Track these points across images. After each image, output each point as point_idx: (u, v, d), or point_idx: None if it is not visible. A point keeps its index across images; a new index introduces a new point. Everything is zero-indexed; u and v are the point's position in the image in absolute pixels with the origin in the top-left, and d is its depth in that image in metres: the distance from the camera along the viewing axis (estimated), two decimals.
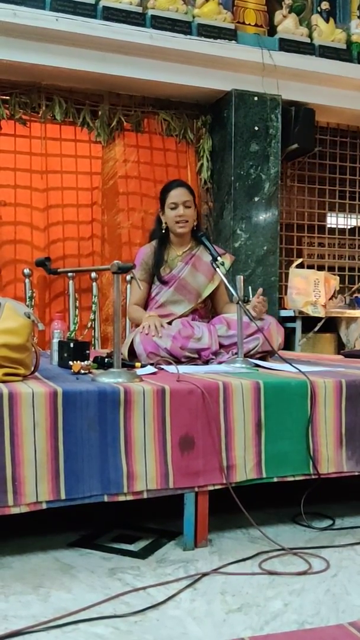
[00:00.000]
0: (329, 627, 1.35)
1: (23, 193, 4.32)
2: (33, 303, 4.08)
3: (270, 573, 1.64)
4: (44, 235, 4.35)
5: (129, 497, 1.75)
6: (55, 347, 2.47)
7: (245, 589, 1.55)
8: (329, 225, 5.45)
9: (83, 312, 4.31)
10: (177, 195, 2.83)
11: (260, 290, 2.71)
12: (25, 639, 1.29)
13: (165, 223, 2.87)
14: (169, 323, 2.71)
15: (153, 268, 2.87)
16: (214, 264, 2.65)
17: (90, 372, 2.08)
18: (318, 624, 1.37)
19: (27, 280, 4.06)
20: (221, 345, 2.62)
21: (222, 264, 2.64)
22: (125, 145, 4.59)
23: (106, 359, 2.29)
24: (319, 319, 4.64)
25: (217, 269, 2.62)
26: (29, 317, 1.88)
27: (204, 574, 1.63)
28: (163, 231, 2.89)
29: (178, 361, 2.46)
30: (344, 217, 5.51)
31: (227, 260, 2.86)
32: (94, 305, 4.28)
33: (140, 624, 1.36)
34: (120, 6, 4.13)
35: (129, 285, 4.16)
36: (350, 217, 5.53)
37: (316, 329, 4.70)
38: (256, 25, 4.64)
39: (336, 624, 1.37)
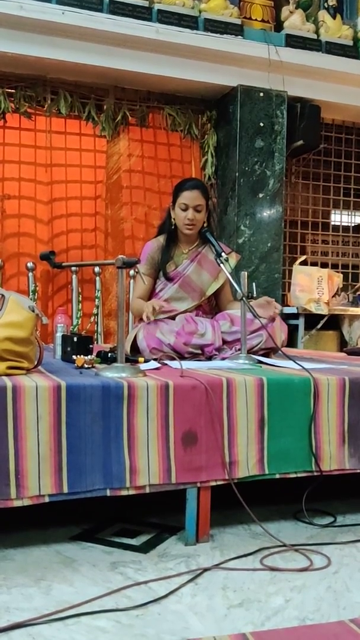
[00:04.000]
0: (329, 623, 1.35)
1: (27, 186, 4.33)
2: (36, 297, 4.08)
3: (272, 569, 1.65)
4: (47, 228, 4.35)
5: (132, 492, 1.75)
6: (58, 341, 2.47)
7: (246, 584, 1.55)
8: (333, 223, 5.44)
9: (85, 302, 4.32)
10: (190, 197, 2.76)
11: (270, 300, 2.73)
12: (27, 631, 1.29)
13: (174, 219, 2.85)
14: (173, 318, 2.71)
15: (159, 264, 2.86)
16: (218, 260, 2.64)
17: (93, 367, 2.08)
18: (319, 620, 1.37)
19: (30, 274, 4.07)
20: (224, 342, 2.62)
21: (227, 260, 2.63)
22: (130, 140, 4.59)
23: (109, 354, 2.29)
24: (322, 316, 4.63)
25: (222, 265, 2.62)
26: (33, 311, 1.89)
27: (206, 569, 1.63)
28: (172, 227, 2.87)
29: (181, 357, 2.47)
30: (348, 215, 5.50)
31: (232, 259, 2.85)
32: (97, 300, 4.28)
33: (142, 618, 1.36)
34: (127, 0, 4.12)
35: (132, 281, 4.17)
36: (355, 215, 5.52)
37: (319, 326, 4.69)
38: (263, 20, 4.63)
39: (337, 620, 1.37)
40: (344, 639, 1.27)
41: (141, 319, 2.82)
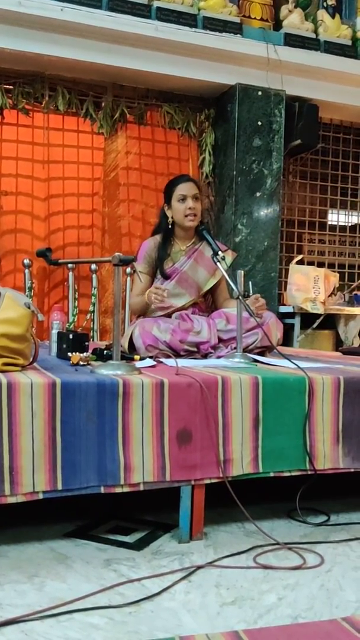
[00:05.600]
0: (322, 622, 1.36)
1: (24, 182, 4.32)
2: (32, 293, 4.08)
3: (265, 567, 1.65)
4: (44, 225, 4.35)
5: (126, 489, 1.75)
6: (54, 338, 2.47)
7: (239, 582, 1.55)
8: (330, 222, 5.45)
9: (81, 299, 4.32)
10: (186, 188, 2.80)
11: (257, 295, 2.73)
12: (20, 627, 1.29)
13: (172, 217, 2.85)
14: (169, 316, 2.71)
15: (156, 261, 2.86)
16: (214, 258, 2.64)
17: (89, 364, 2.08)
18: (311, 618, 1.38)
19: (26, 271, 4.06)
20: (220, 340, 2.63)
21: (223, 258, 2.63)
22: (128, 137, 4.59)
23: (105, 351, 2.29)
24: (318, 315, 4.64)
25: (218, 264, 2.62)
26: (29, 308, 1.88)
27: (199, 567, 1.63)
28: (169, 226, 2.87)
29: (177, 354, 2.47)
30: (345, 215, 5.51)
31: (228, 256, 2.86)
32: (93, 297, 4.28)
33: (135, 615, 1.36)
34: None
35: (129, 278, 4.17)
36: (351, 215, 5.53)
37: (315, 325, 4.70)
38: (262, 19, 4.63)
39: (329, 619, 1.37)
40: (336, 637, 1.28)
41: (138, 316, 2.83)
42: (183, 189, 2.80)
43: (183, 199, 2.79)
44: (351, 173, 5.39)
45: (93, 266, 4.31)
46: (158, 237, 2.91)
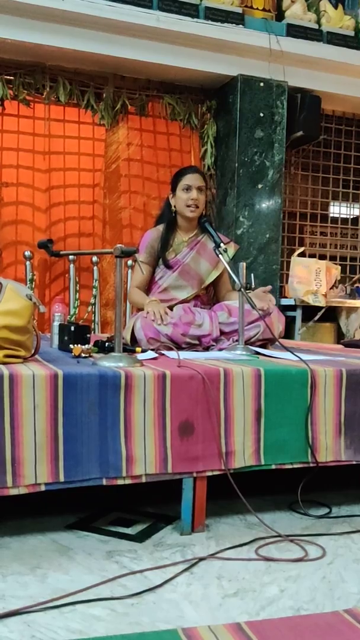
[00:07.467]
0: (324, 613, 1.36)
1: (25, 173, 4.31)
2: (33, 285, 4.07)
3: (267, 559, 1.65)
4: (45, 216, 4.34)
5: (128, 481, 1.75)
6: (55, 330, 2.46)
7: (241, 574, 1.56)
8: (331, 215, 5.43)
9: (83, 290, 4.31)
10: (191, 178, 2.81)
11: (269, 287, 2.75)
12: (22, 618, 1.29)
13: (175, 206, 2.85)
14: (171, 308, 2.71)
15: (159, 252, 2.86)
16: (216, 251, 2.64)
17: (90, 356, 2.08)
18: (313, 610, 1.38)
19: (27, 263, 4.05)
20: (222, 332, 2.62)
21: (225, 250, 2.62)
22: (129, 129, 4.58)
23: (107, 343, 2.28)
24: (319, 308, 4.64)
25: (220, 256, 2.61)
26: (30, 299, 1.88)
27: (201, 559, 1.64)
28: (173, 214, 2.88)
29: (179, 347, 2.46)
30: (347, 207, 5.49)
31: (231, 248, 2.85)
32: (94, 290, 4.28)
33: (137, 607, 1.36)
34: None
35: (130, 270, 4.16)
36: (353, 207, 5.51)
37: (316, 318, 4.70)
38: (264, 9, 4.60)
39: (331, 610, 1.37)
40: (338, 629, 1.28)
41: (139, 309, 2.82)
42: (189, 179, 2.81)
43: (188, 188, 2.79)
44: (353, 165, 5.38)
45: (94, 258, 4.31)
46: (160, 228, 2.91)
